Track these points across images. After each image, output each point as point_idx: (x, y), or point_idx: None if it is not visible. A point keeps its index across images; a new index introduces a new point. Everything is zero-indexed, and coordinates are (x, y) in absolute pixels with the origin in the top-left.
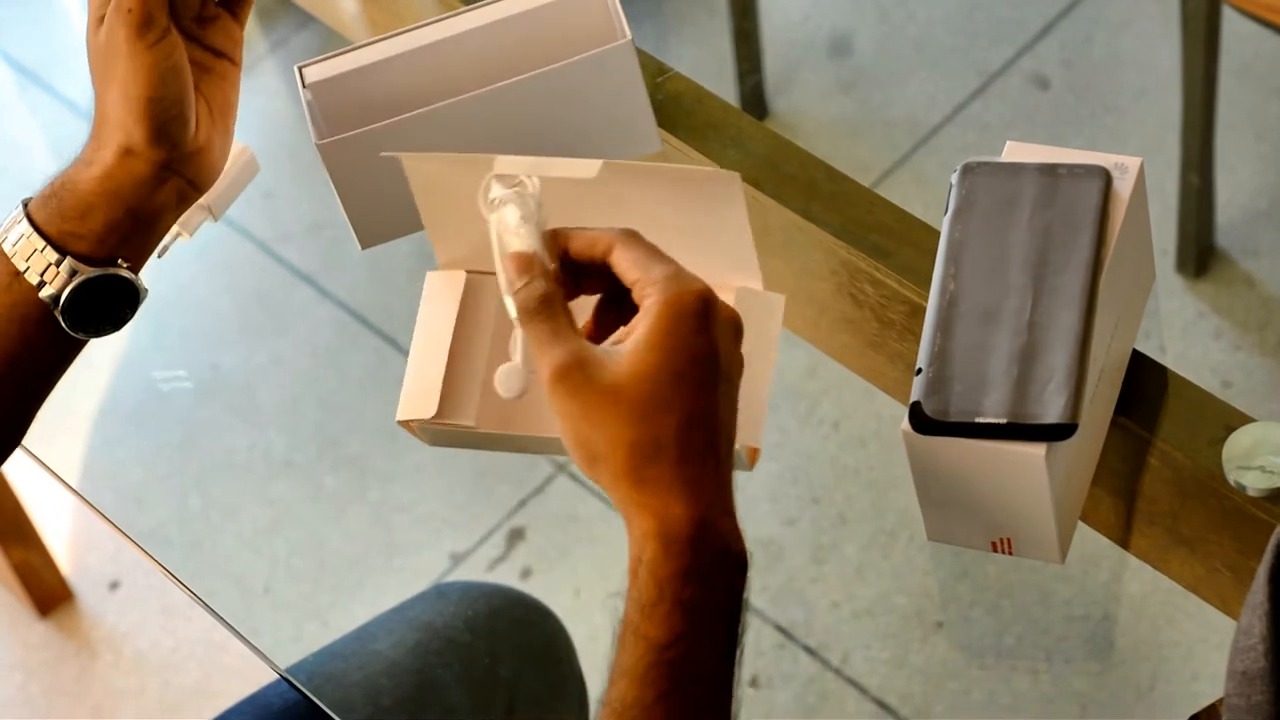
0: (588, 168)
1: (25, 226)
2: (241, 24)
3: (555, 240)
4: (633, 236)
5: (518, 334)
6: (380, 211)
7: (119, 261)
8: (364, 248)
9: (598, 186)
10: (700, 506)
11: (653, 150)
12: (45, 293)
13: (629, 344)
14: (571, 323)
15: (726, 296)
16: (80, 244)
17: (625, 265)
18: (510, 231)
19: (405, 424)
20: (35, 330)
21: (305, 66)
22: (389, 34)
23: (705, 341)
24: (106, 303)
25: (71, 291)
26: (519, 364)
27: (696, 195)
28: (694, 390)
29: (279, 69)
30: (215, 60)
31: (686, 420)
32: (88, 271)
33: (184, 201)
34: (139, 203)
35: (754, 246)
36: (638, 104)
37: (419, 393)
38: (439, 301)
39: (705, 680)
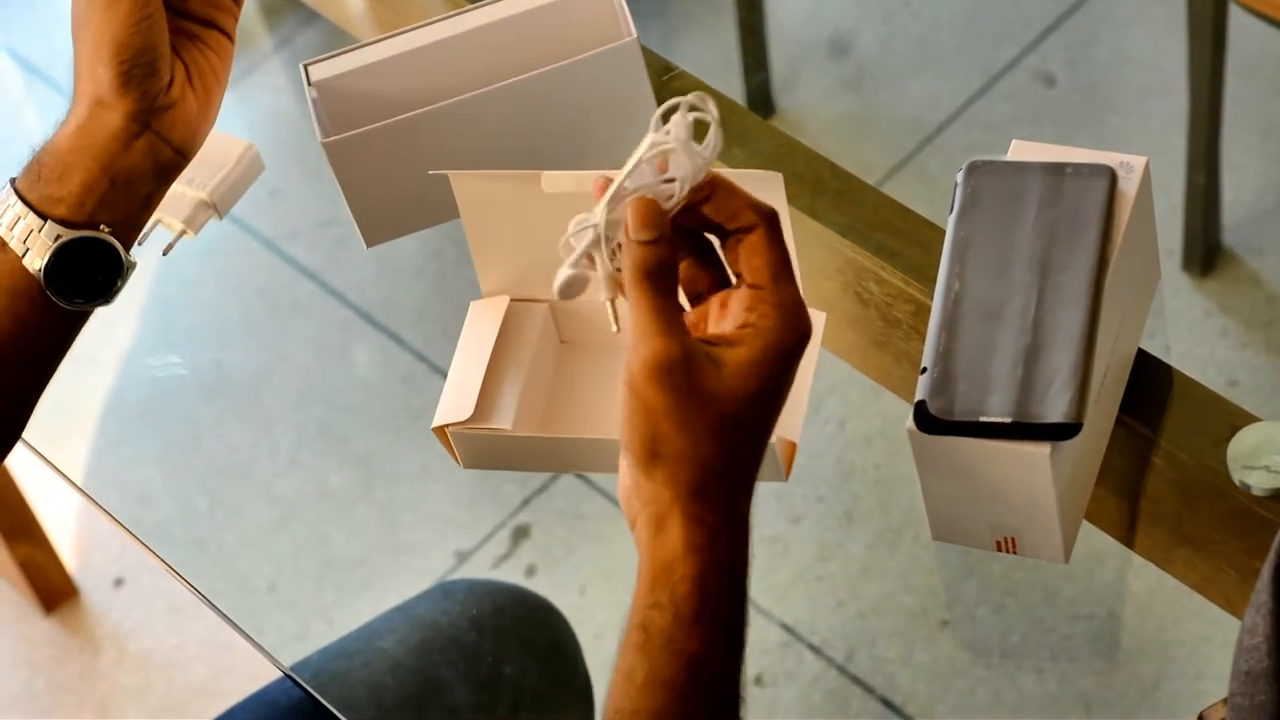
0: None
1: (9, 196)
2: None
3: (701, 185)
4: (776, 226)
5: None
6: (386, 209)
7: (100, 227)
8: (369, 245)
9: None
10: (748, 534)
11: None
12: (31, 262)
13: (734, 358)
14: (680, 304)
15: None
16: (59, 207)
17: (758, 261)
18: (674, 151)
19: (443, 438)
20: (27, 305)
21: (311, 64)
22: (395, 32)
23: (791, 381)
24: (90, 269)
25: (53, 255)
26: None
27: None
28: (769, 424)
29: (284, 67)
30: (204, 29)
31: (757, 450)
32: (68, 235)
33: (163, 168)
34: (112, 159)
35: (795, 254)
36: (643, 103)
37: (455, 400)
38: (481, 326)
39: (734, 697)
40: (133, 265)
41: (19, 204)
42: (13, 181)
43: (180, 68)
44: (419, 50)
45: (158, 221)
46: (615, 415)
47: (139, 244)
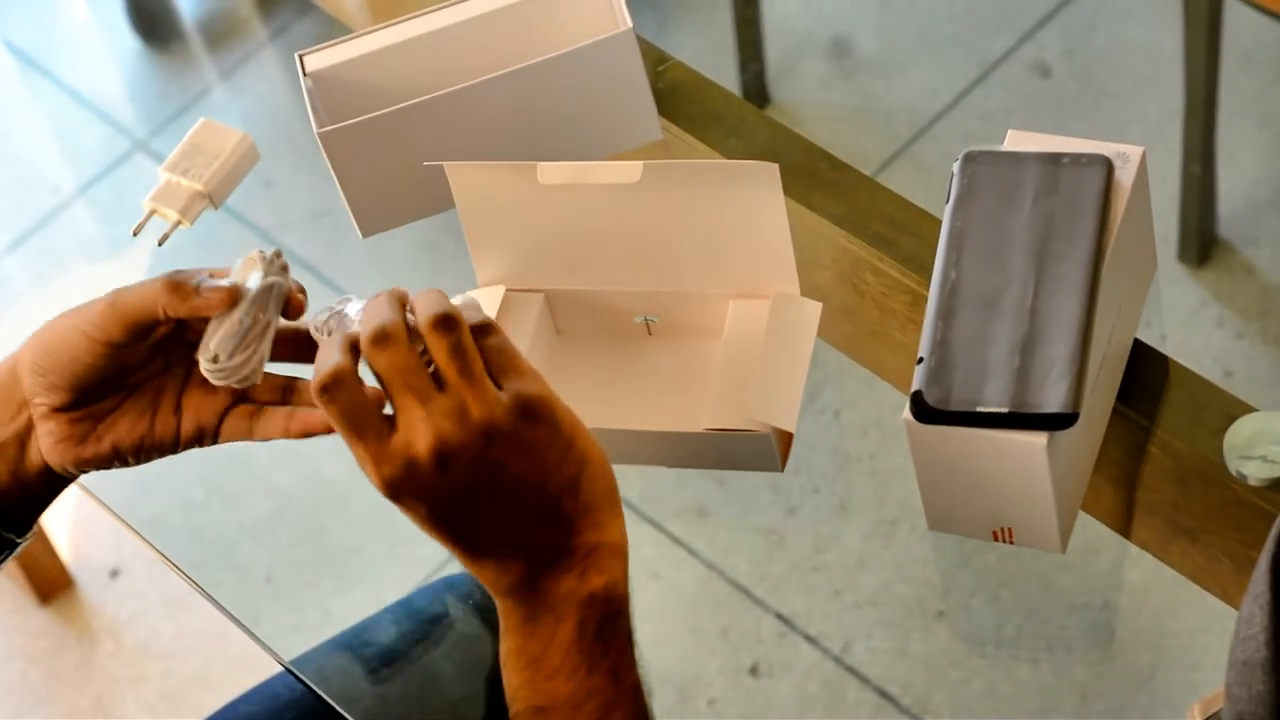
0: (630, 172)
1: None
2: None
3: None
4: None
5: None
6: (381, 200)
7: None
8: (365, 235)
9: (638, 191)
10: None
11: (654, 139)
12: None
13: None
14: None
15: (762, 303)
16: None
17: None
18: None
19: None
20: None
21: (306, 55)
22: (390, 22)
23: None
24: None
25: None
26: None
27: (735, 190)
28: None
29: (279, 56)
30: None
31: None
32: None
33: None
34: None
35: (791, 244)
36: (639, 92)
37: None
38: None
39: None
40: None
41: None
42: None
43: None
44: (414, 40)
45: (153, 212)
46: (613, 405)
47: (135, 234)
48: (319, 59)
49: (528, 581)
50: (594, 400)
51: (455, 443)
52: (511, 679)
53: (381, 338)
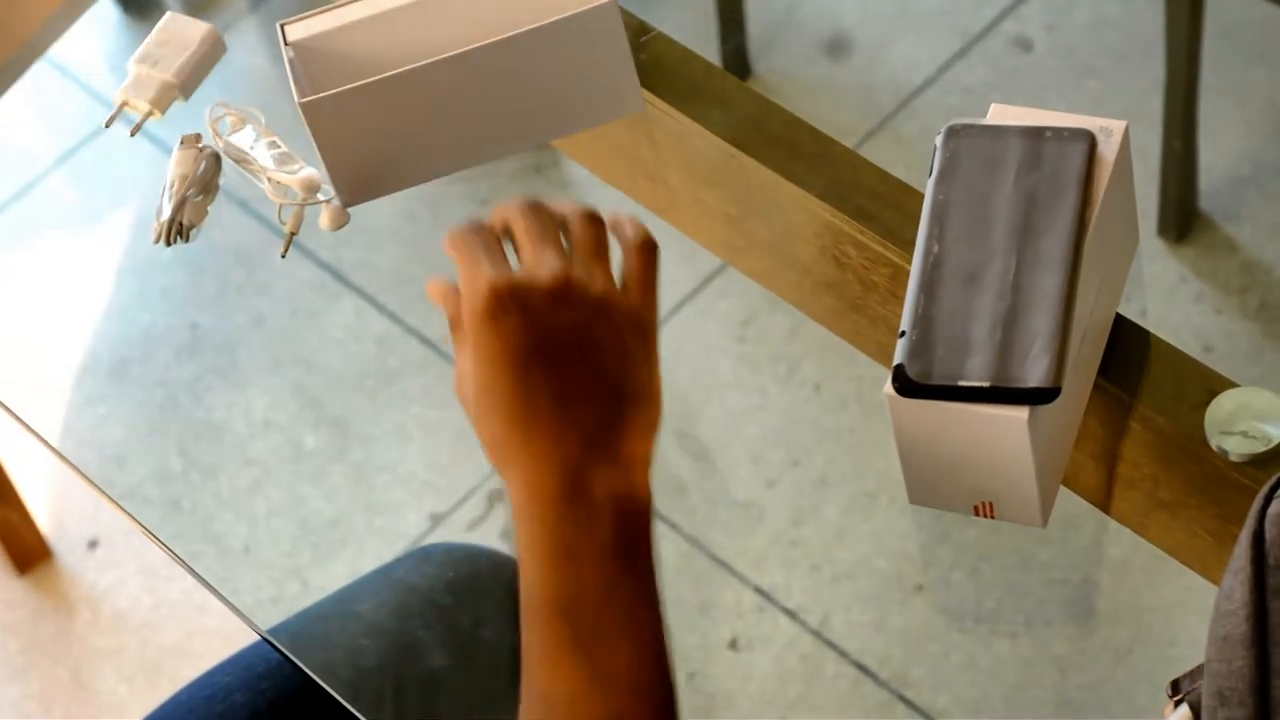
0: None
1: None
2: None
3: None
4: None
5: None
6: (363, 170)
7: None
8: (347, 206)
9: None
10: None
11: (636, 110)
12: None
13: None
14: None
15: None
16: None
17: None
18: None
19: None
20: None
21: (287, 24)
22: None
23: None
24: None
25: None
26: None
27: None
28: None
29: (260, 26)
30: None
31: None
32: None
33: None
34: None
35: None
36: (621, 65)
37: None
38: None
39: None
40: None
41: None
42: None
43: None
44: (397, 10)
45: (124, 104)
46: None
47: (107, 125)
48: (300, 28)
49: (575, 463)
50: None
51: (576, 287)
52: (535, 567)
53: (533, 207)
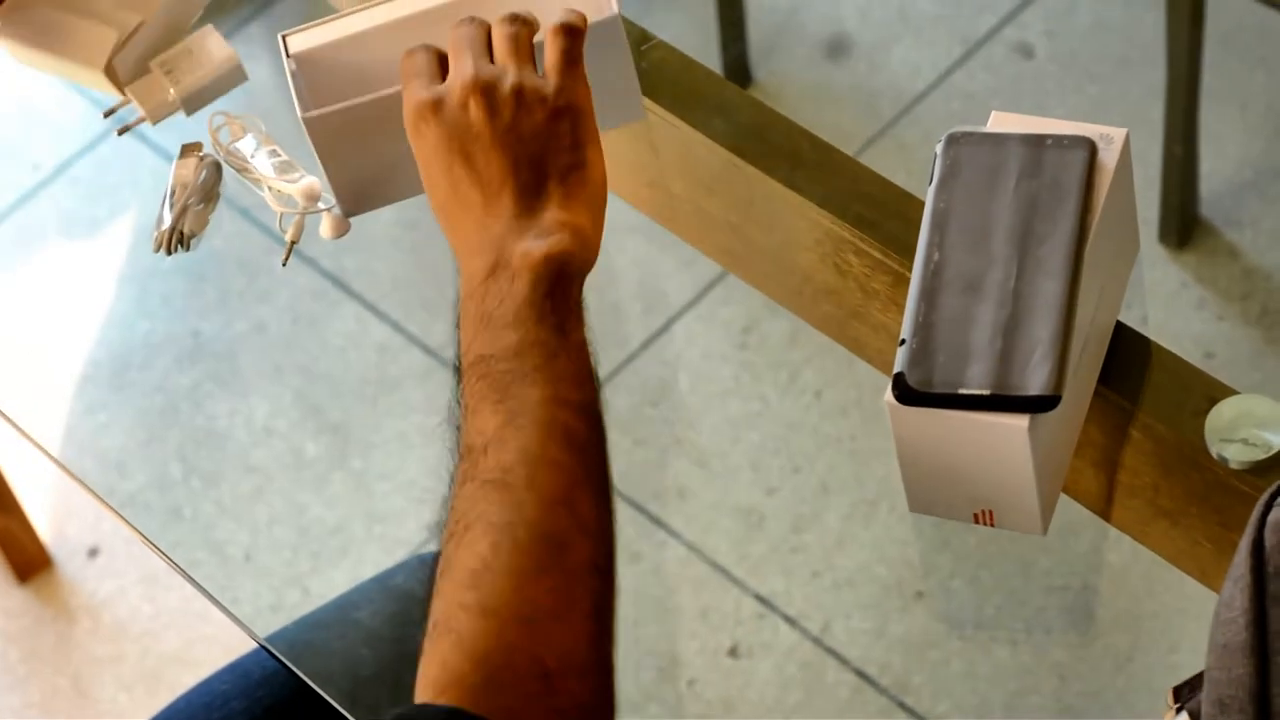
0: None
1: None
2: None
3: None
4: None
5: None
6: (365, 181)
7: None
8: (349, 216)
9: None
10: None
11: (637, 120)
12: None
13: None
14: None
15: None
16: None
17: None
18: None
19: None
20: None
21: (289, 35)
22: (374, 2)
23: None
24: None
25: None
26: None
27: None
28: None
29: (261, 34)
30: None
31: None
32: None
33: None
34: None
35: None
36: (624, 77)
37: None
38: None
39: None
40: None
41: None
42: None
43: None
44: (401, 21)
45: (127, 101)
46: None
47: (106, 115)
48: (302, 40)
49: (498, 242)
50: None
51: (485, 84)
52: (465, 336)
53: (463, 20)
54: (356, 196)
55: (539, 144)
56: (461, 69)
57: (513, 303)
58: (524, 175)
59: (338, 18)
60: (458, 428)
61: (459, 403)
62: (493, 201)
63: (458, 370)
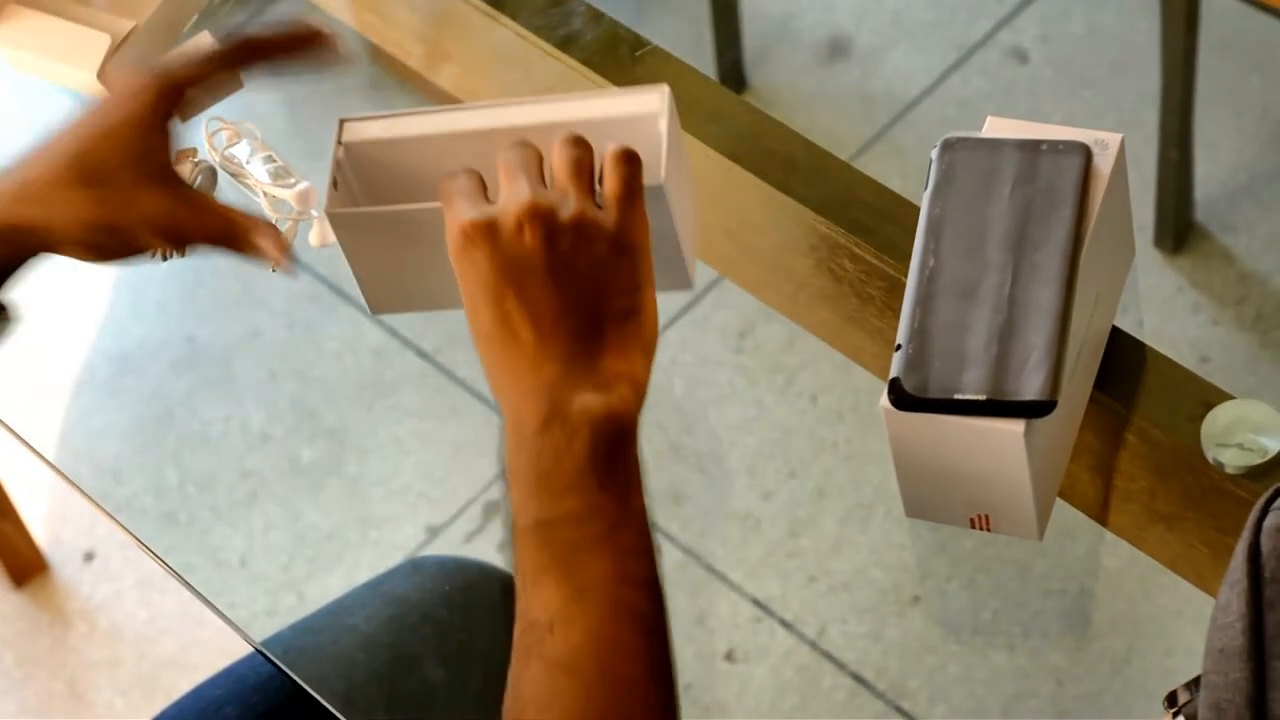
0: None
1: None
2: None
3: None
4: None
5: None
6: (390, 283)
7: None
8: (375, 313)
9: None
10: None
11: (684, 289)
12: None
13: None
14: None
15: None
16: None
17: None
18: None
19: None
20: None
21: (347, 122)
22: (440, 107)
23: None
24: None
25: None
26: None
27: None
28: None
29: None
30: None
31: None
32: None
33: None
34: None
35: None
36: (668, 243)
37: None
38: None
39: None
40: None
41: None
42: None
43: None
44: (460, 135)
45: None
46: None
47: None
48: (358, 130)
49: (553, 388)
50: None
51: (543, 212)
52: (518, 494)
53: (517, 143)
54: (381, 297)
55: (597, 282)
56: (517, 191)
57: (572, 464)
58: (580, 314)
59: (398, 115)
60: (516, 591)
61: (516, 566)
62: (546, 340)
63: (511, 527)
